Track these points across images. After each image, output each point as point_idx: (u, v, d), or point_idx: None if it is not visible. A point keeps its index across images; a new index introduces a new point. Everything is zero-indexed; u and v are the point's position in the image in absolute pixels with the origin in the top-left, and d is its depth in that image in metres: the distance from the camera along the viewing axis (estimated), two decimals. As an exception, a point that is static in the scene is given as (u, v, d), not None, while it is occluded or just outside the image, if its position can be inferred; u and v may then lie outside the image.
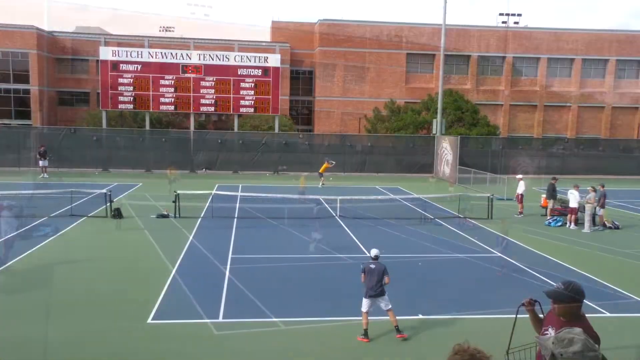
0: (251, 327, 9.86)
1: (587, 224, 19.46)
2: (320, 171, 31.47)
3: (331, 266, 14.07)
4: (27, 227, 17.65)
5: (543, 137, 48.64)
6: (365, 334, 9.22)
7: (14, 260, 13.70)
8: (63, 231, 17.33)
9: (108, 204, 20.03)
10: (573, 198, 19.95)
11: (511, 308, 11.28)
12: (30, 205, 20.99)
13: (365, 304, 9.35)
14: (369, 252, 9.89)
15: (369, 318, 9.35)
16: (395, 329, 9.32)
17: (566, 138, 44.93)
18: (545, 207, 21.90)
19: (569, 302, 4.38)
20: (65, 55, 49.96)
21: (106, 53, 36.34)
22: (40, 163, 32.10)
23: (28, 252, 14.56)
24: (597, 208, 19.77)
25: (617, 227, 20.03)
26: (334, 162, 32.38)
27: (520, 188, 22.55)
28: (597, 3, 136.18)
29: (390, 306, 9.36)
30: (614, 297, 11.97)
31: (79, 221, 19.00)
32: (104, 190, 20.99)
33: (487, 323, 10.27)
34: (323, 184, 30.71)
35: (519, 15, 55.02)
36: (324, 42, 49.25)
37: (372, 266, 9.39)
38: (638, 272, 14.26)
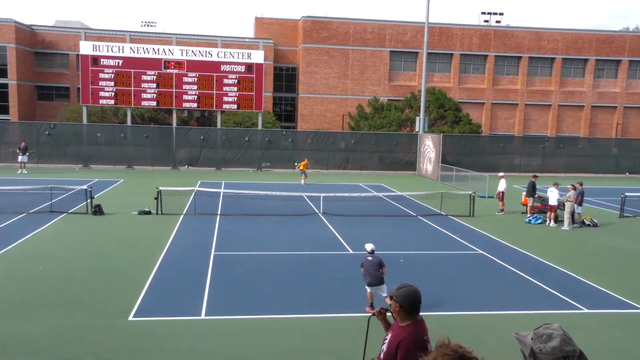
0: (234, 324, 9.84)
1: (566, 222, 19.75)
2: (300, 168, 31.29)
3: (314, 263, 14.09)
4: (5, 224, 17.37)
5: (524, 135, 49.24)
6: (371, 306, 10.32)
7: (-8, 258, 13.48)
8: (42, 228, 17.09)
9: (89, 200, 19.79)
10: (553, 196, 20.22)
11: (493, 305, 11.49)
12: (9, 202, 20.67)
13: (368, 289, 10.38)
14: (365, 247, 10.63)
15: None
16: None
17: (546, 136, 45.51)
18: (526, 205, 22.17)
19: (399, 303, 4.48)
20: (44, 49, 49.22)
21: (87, 47, 35.83)
22: (19, 159, 31.59)
23: (7, 249, 14.33)
24: (576, 206, 20.07)
25: (595, 225, 20.36)
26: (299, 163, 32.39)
27: (502, 186, 22.79)
28: (578, 3, 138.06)
29: (387, 294, 9.95)
30: (593, 294, 12.19)
31: (58, 218, 18.75)
32: (85, 187, 20.73)
33: (468, 320, 10.39)
34: (305, 181, 30.78)
35: (501, 14, 55.58)
36: (308, 39, 49.20)
37: (370, 258, 10.30)
38: (615, 268, 14.53)
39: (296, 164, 32.82)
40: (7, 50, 45.46)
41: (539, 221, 20.74)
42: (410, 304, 4.44)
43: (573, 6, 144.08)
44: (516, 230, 19.20)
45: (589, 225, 20.38)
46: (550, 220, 20.36)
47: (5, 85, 46.01)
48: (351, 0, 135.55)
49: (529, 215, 21.27)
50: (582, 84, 53.04)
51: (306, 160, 32.25)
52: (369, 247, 10.52)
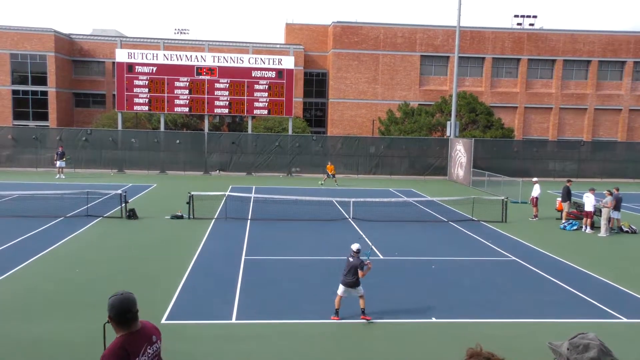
0: (264, 328, 9.90)
1: (603, 228, 19.23)
2: (331, 172, 32.57)
3: (343, 268, 14.03)
4: (44, 227, 17.89)
5: (558, 140, 48.18)
6: (336, 313, 10.28)
7: (31, 260, 13.89)
8: (79, 231, 17.53)
9: (123, 205, 20.22)
10: (589, 202, 19.73)
11: (526, 312, 11.25)
12: (47, 206, 21.28)
13: (340, 289, 10.29)
14: (351, 247, 10.50)
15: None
16: (362, 311, 10.25)
17: (582, 141, 44.43)
18: (561, 211, 21.67)
19: (108, 314, 4.05)
20: (82, 57, 50.61)
21: (122, 55, 36.69)
22: (57, 164, 32.51)
23: (45, 252, 14.75)
24: (612, 211, 19.53)
25: (634, 232, 19.77)
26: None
27: (535, 191, 22.34)
28: (614, 4, 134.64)
29: (362, 293, 10.24)
30: (631, 302, 11.82)
31: (94, 221, 19.20)
32: (119, 191, 21.19)
33: (501, 327, 10.20)
34: (336, 182, 32.07)
35: (534, 17, 54.54)
36: (338, 44, 49.28)
37: (350, 259, 10.26)
38: (655, 277, 14.05)
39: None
40: (47, 58, 46.92)
41: (575, 227, 20.25)
42: (117, 313, 4.06)
43: (609, 8, 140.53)
44: (551, 237, 18.78)
45: (627, 231, 19.80)
46: (586, 227, 19.86)
47: (45, 93, 47.45)
48: (381, 5, 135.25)
49: (564, 222, 20.79)
50: (619, 86, 51.62)
51: (329, 163, 33.42)
52: (354, 246, 10.43)
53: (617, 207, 19.60)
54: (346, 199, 22.21)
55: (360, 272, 10.08)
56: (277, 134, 39.85)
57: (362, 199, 22.79)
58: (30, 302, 10.92)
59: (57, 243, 15.83)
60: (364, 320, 10.18)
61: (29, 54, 47.05)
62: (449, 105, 40.77)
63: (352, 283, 10.12)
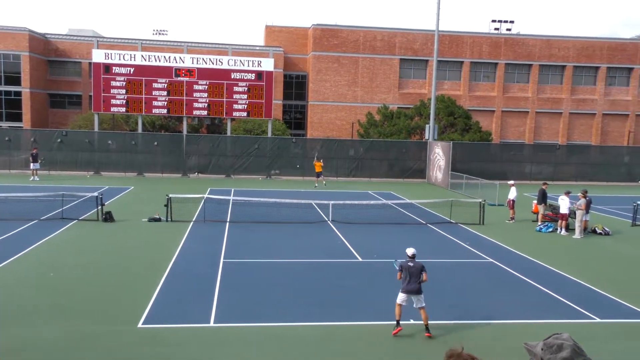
0: (242, 332, 9.84)
1: (577, 230, 19.58)
2: (318, 170, 32.73)
3: (323, 271, 14.06)
4: (17, 230, 17.53)
5: (534, 143, 48.95)
6: (397, 324, 9.71)
7: (3, 264, 13.60)
8: (54, 234, 17.22)
9: (99, 207, 19.92)
10: (564, 204, 20.07)
11: (502, 314, 11.40)
12: (21, 209, 20.86)
13: (400, 297, 9.78)
14: (406, 251, 10.12)
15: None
16: (425, 327, 9.66)
17: (558, 144, 45.22)
18: (536, 213, 22.00)
19: None
20: (57, 57, 49.79)
21: (99, 56, 36.19)
22: (32, 166, 31.90)
23: (18, 256, 14.45)
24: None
25: (607, 234, 20.17)
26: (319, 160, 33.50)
27: (512, 194, 22.65)
28: (588, 11, 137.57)
29: (423, 305, 9.68)
30: (605, 303, 12.05)
31: (69, 224, 18.88)
32: (96, 194, 20.88)
33: (478, 328, 10.30)
34: (324, 183, 32.51)
35: (512, 22, 55.42)
36: (318, 47, 49.37)
37: (410, 264, 9.80)
38: (628, 277, 14.36)
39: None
40: (21, 58, 46.04)
41: (550, 229, 20.57)
42: None
43: (584, 14, 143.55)
44: (527, 239, 19.05)
45: (600, 233, 20.19)
46: (561, 229, 20.20)
47: (19, 93, 46.55)
48: (361, 9, 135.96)
49: (539, 224, 21.11)
50: (593, 91, 52.70)
51: (319, 160, 33.25)
52: (410, 251, 9.99)
53: (587, 209, 19.98)
54: (325, 202, 22.24)
55: (424, 275, 9.67)
56: (257, 137, 39.72)
57: (341, 202, 22.83)
58: (3, 307, 10.67)
59: (31, 246, 15.52)
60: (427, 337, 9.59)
61: (2, 54, 46.12)
62: (428, 108, 41.13)
63: (416, 290, 9.62)
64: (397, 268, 9.99)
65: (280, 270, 13.95)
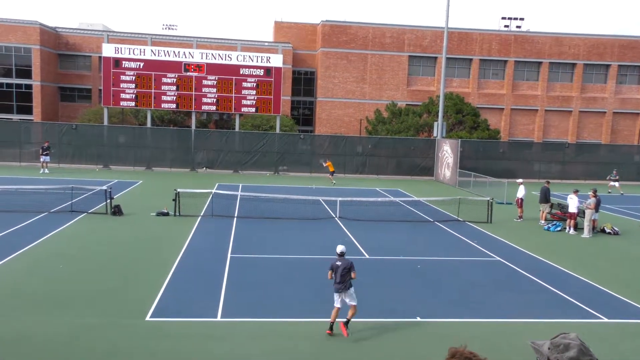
0: (249, 326, 9.89)
1: (586, 229, 19.47)
2: (331, 170, 33.06)
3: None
4: (27, 222, 17.69)
5: (543, 142, 48.65)
6: (331, 327, 9.49)
7: (14, 255, 13.74)
8: (63, 227, 17.36)
9: (108, 201, 20.05)
10: (572, 203, 19.96)
11: (509, 312, 11.39)
12: (31, 201, 21.04)
13: (335, 299, 9.66)
14: (335, 250, 10.03)
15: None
16: (345, 322, 9.56)
17: (567, 143, 44.92)
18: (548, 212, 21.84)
19: None
20: (68, 51, 50.02)
21: (109, 50, 36.34)
22: (42, 158, 32.13)
23: (28, 247, 14.59)
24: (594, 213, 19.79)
25: (616, 233, 20.05)
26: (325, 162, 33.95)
27: (520, 192, 22.54)
28: (599, 9, 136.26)
29: (354, 303, 9.57)
30: (612, 303, 12.00)
31: (78, 217, 19.02)
32: (104, 187, 21.00)
33: (485, 327, 10.29)
34: (334, 182, 32.50)
35: (522, 19, 54.97)
36: (327, 43, 49.27)
37: (338, 263, 9.69)
38: (636, 277, 14.28)
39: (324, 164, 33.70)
40: (31, 51, 46.31)
41: (558, 228, 20.48)
42: None
43: (594, 12, 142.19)
44: (535, 238, 18.98)
45: (609, 233, 20.07)
46: (569, 228, 20.10)
47: (30, 86, 46.85)
48: (370, 5, 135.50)
49: (541, 222, 21.01)
50: (604, 89, 52.26)
51: (328, 161, 33.68)
52: (339, 248, 9.96)
53: (596, 208, 19.87)
54: (333, 199, 22.25)
55: (352, 273, 9.61)
56: (265, 132, 39.76)
57: (348, 199, 22.84)
58: (13, 298, 10.80)
59: (41, 238, 15.66)
60: (343, 332, 9.50)
61: (13, 47, 46.40)
62: (436, 105, 40.98)
63: (345, 287, 9.54)
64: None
65: (287, 266, 13.99)
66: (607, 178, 34.46)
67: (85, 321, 9.77)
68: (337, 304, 9.63)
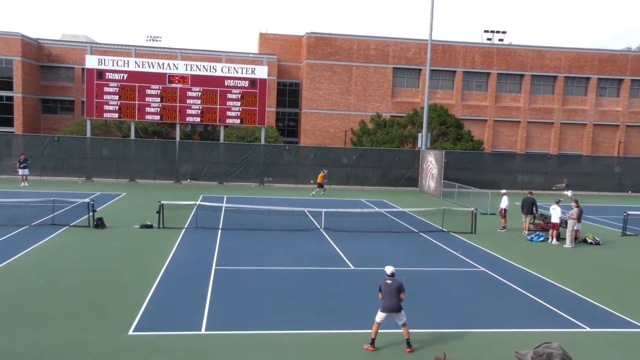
0: (234, 339, 9.80)
1: (568, 239, 19.68)
2: (318, 181, 33.09)
3: (315, 279, 14.04)
4: (7, 236, 17.39)
5: (526, 153, 49.24)
6: (372, 343, 9.55)
7: (-7, 270, 13.47)
8: (44, 240, 17.10)
9: (91, 214, 19.81)
10: (555, 213, 20.18)
11: (494, 322, 11.44)
12: (11, 214, 20.71)
13: (379, 316, 9.65)
14: (385, 269, 9.90)
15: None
16: (407, 342, 9.57)
17: (549, 154, 45.51)
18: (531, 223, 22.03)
19: None
20: (50, 62, 49.61)
21: (92, 61, 36.12)
22: (20, 172, 31.67)
23: (8, 261, 14.33)
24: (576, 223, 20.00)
25: (598, 243, 20.29)
26: (326, 171, 34.43)
27: (504, 203, 22.74)
28: (579, 23, 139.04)
29: (404, 320, 9.61)
30: (595, 312, 12.11)
31: (60, 230, 18.76)
32: (87, 200, 20.76)
33: (469, 337, 10.31)
34: (322, 193, 32.65)
35: (504, 32, 55.94)
36: (312, 55, 49.53)
37: (388, 281, 9.66)
38: (618, 287, 14.44)
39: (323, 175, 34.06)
40: (13, 63, 45.85)
41: (541, 239, 20.67)
42: None
43: (575, 26, 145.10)
44: (518, 248, 19.13)
45: (591, 243, 20.31)
46: (552, 238, 20.30)
47: (11, 98, 46.30)
48: (355, 18, 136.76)
49: (525, 232, 21.20)
50: (584, 102, 53.19)
51: (322, 172, 33.96)
52: (389, 269, 9.81)
53: (578, 218, 20.10)
54: (318, 209, 22.23)
55: (402, 295, 9.56)
56: (250, 144, 39.70)
57: (333, 209, 22.84)
58: (-8, 313, 10.58)
59: (21, 252, 15.40)
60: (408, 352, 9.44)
61: (-6, 58, 45.91)
62: (421, 117, 41.32)
63: (396, 308, 9.49)
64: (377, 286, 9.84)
65: (272, 278, 13.92)
66: (554, 187, 35.57)
67: (67, 336, 9.60)
68: (379, 320, 9.64)
